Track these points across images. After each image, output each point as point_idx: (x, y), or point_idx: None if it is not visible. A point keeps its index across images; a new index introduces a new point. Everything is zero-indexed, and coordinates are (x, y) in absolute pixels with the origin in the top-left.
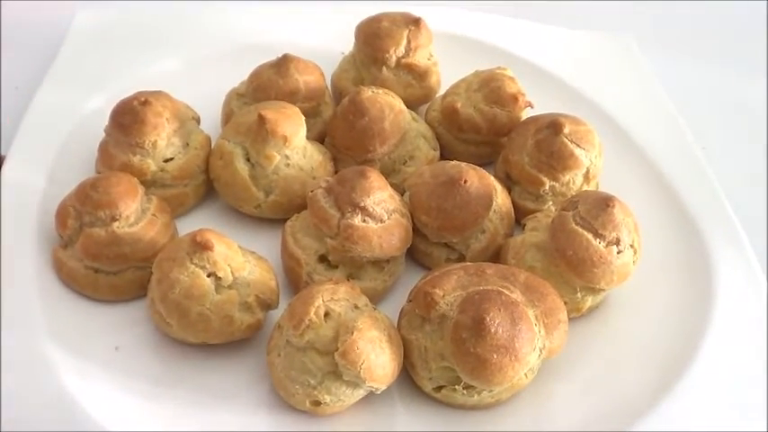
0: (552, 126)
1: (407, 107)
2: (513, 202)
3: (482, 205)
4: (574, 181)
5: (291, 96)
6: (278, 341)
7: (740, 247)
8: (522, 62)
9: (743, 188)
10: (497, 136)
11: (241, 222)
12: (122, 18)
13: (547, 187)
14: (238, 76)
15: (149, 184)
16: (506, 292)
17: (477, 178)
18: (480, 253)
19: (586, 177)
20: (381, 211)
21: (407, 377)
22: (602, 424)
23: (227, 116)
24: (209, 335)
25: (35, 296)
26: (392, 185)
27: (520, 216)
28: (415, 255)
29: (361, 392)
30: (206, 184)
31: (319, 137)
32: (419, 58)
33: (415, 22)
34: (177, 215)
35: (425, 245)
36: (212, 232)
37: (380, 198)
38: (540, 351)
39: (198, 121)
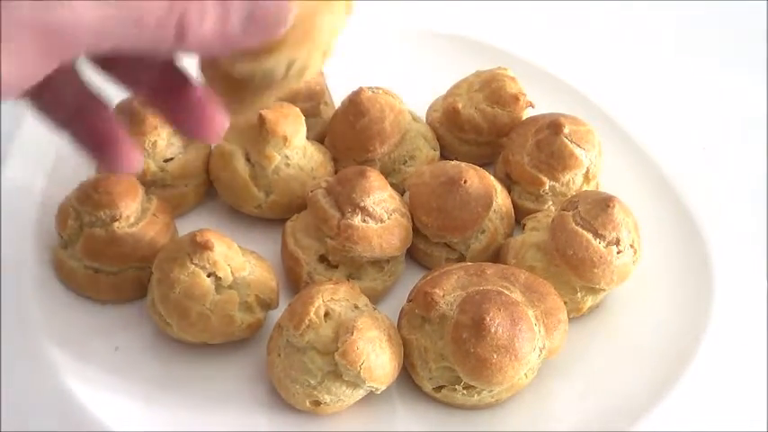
0: (552, 126)
1: None
2: (513, 202)
3: (482, 205)
4: (574, 181)
5: (291, 96)
6: (278, 341)
7: (740, 247)
8: (523, 62)
9: (743, 188)
10: (498, 136)
11: (241, 222)
12: None
13: (547, 187)
14: None
15: (149, 184)
16: (506, 292)
17: (478, 178)
18: (480, 253)
19: (586, 177)
20: (381, 211)
21: (407, 377)
22: (603, 424)
23: None
24: (209, 335)
25: (35, 296)
26: (392, 185)
27: (520, 216)
28: (415, 255)
29: (361, 392)
30: (206, 184)
31: (319, 137)
32: None
33: None
34: (177, 215)
35: (425, 245)
36: (212, 232)
37: (380, 198)
38: (540, 351)
39: None
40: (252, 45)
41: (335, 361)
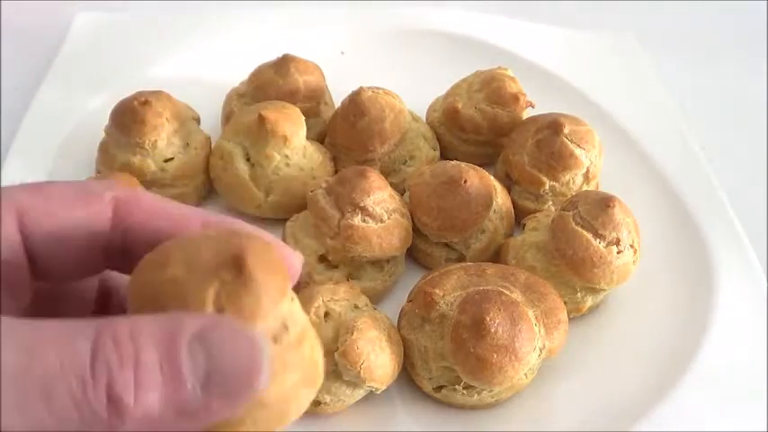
0: (552, 126)
1: None
2: (513, 202)
3: (482, 205)
4: (574, 181)
5: (291, 96)
6: None
7: (740, 247)
8: (523, 62)
9: (743, 188)
10: (499, 136)
11: None
12: (122, 19)
13: (547, 187)
14: (238, 76)
15: (149, 184)
16: (506, 292)
17: (478, 178)
18: (480, 253)
19: (586, 177)
20: (381, 211)
21: (407, 377)
22: (602, 424)
23: (227, 116)
24: None
25: None
26: (392, 185)
27: (520, 216)
28: (415, 255)
29: (361, 392)
30: (206, 184)
31: (319, 137)
32: None
33: None
34: None
35: (425, 245)
36: None
37: (380, 198)
38: (540, 351)
39: (198, 121)
40: (218, 416)
41: (336, 361)
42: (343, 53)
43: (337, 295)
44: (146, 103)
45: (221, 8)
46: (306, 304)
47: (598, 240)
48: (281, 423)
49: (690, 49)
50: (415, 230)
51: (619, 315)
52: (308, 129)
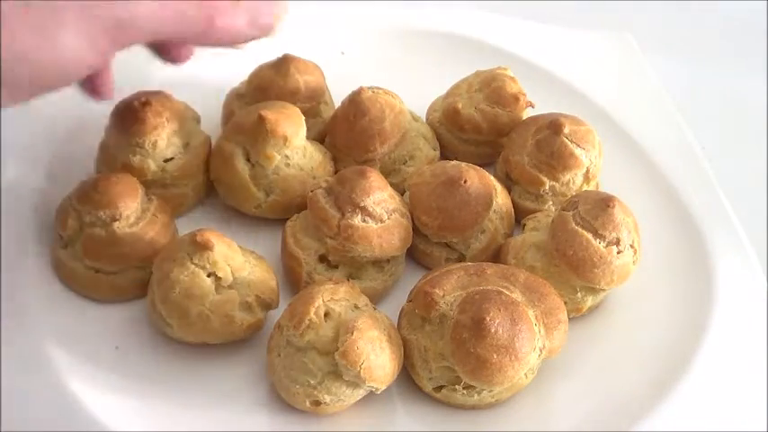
0: (552, 126)
1: None
2: (513, 202)
3: (482, 205)
4: (574, 181)
5: (291, 96)
6: (278, 341)
7: (740, 246)
8: (523, 62)
9: (743, 188)
10: (499, 136)
11: (241, 222)
12: None
13: (547, 187)
14: (238, 76)
15: (149, 184)
16: (506, 292)
17: (478, 178)
18: (480, 253)
19: (586, 177)
20: (381, 211)
21: (407, 377)
22: (603, 424)
23: (227, 116)
24: (209, 335)
25: (35, 296)
26: (392, 185)
27: (520, 216)
28: (415, 255)
29: (361, 392)
30: (206, 184)
31: (319, 137)
32: None
33: None
34: (177, 215)
35: (425, 245)
36: (212, 232)
37: (380, 198)
38: (540, 351)
39: (198, 121)
40: (250, 38)
41: (335, 361)
42: (343, 53)
43: (337, 295)
44: (146, 103)
45: None
46: (306, 304)
47: (598, 240)
48: None
49: (689, 48)
50: (415, 230)
51: (619, 315)
52: (308, 129)
